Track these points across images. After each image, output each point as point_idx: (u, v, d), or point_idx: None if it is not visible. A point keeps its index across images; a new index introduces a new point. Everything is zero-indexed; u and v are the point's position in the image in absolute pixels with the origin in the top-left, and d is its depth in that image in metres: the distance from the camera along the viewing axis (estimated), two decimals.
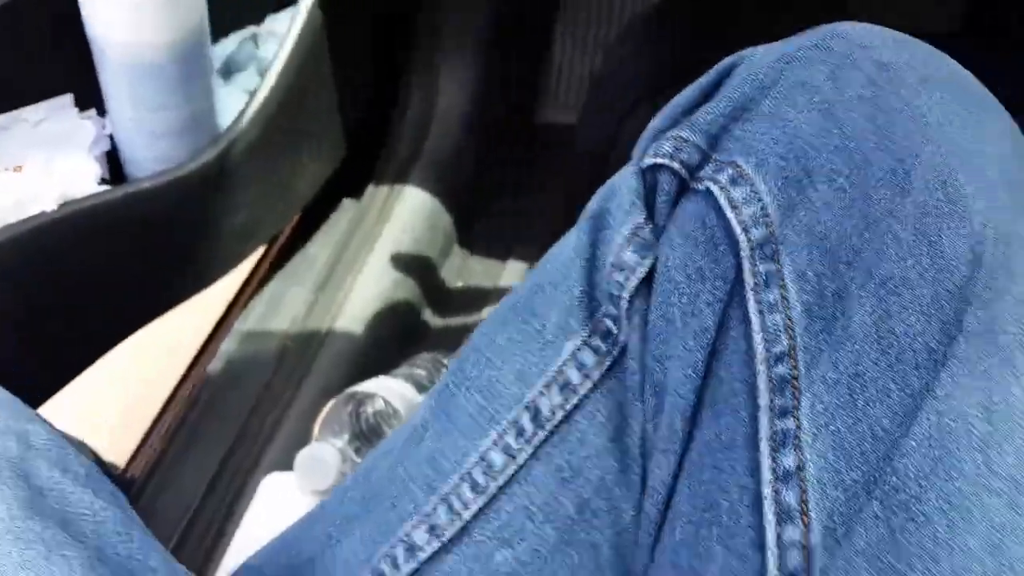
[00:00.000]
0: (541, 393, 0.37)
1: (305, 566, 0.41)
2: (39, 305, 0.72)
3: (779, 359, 0.33)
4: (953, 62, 0.37)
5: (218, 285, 0.92)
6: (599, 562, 0.37)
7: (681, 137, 0.37)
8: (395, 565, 0.37)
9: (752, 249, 0.34)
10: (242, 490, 0.78)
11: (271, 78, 0.78)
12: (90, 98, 0.74)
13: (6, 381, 0.42)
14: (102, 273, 0.76)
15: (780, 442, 0.32)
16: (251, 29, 0.85)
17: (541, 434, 0.37)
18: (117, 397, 1.08)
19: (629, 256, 0.37)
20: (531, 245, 0.90)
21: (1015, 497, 0.31)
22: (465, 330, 0.85)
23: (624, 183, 0.38)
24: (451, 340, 0.85)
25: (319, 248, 0.95)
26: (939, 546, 0.30)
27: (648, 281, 0.37)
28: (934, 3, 0.92)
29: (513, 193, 1.00)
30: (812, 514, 0.31)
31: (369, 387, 0.73)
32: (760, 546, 0.32)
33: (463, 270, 0.96)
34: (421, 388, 0.75)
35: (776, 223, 0.34)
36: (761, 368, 0.33)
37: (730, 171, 0.35)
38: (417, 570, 0.37)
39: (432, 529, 0.37)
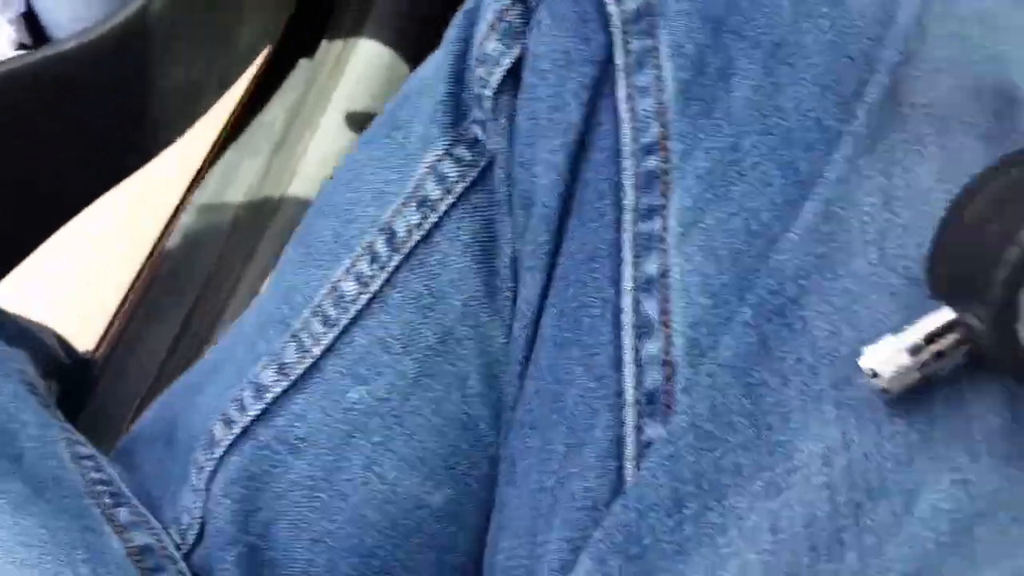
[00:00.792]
0: (397, 212, 0.33)
1: (177, 417, 0.38)
2: None
3: (649, 151, 0.29)
4: None
5: (183, 162, 0.89)
6: (466, 394, 0.33)
7: None
8: (242, 408, 0.34)
9: (625, 22, 0.29)
10: (197, 362, 0.76)
11: None
12: None
13: None
14: (31, 145, 0.72)
15: (643, 246, 0.28)
16: None
17: (396, 258, 0.33)
18: (84, 280, 1.07)
19: (493, 46, 0.32)
20: None
21: (911, 296, 0.26)
22: None
23: None
24: None
25: (274, 114, 0.91)
26: (819, 356, 0.26)
27: (518, 75, 0.32)
28: None
29: None
30: (674, 325, 0.27)
31: None
32: (618, 364, 0.28)
33: None
34: None
35: None
36: (628, 163, 0.29)
37: None
38: (265, 411, 0.34)
39: (281, 368, 0.34)
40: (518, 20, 0.32)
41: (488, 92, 0.32)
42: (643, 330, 0.28)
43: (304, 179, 0.83)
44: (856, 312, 0.26)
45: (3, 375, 0.39)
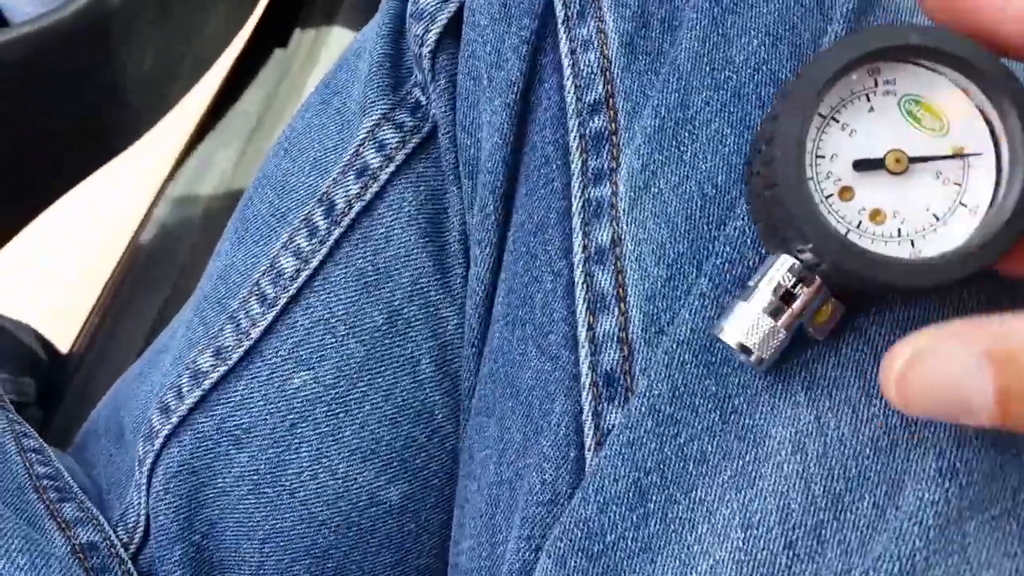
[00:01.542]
0: (336, 182, 0.31)
1: (121, 408, 0.36)
2: None
3: (594, 110, 0.26)
4: None
5: (157, 155, 0.88)
6: (419, 379, 0.31)
7: None
8: (179, 395, 0.32)
9: None
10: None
11: None
12: None
13: None
14: None
15: (593, 213, 0.26)
16: None
17: (337, 231, 0.31)
18: (62, 276, 1.05)
19: (427, 0, 0.30)
20: None
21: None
22: None
23: None
24: None
25: (248, 104, 0.90)
26: None
27: (459, 32, 0.30)
28: None
29: None
30: (630, 298, 0.25)
31: None
32: (573, 343, 0.26)
33: None
34: None
35: None
36: (573, 123, 0.26)
37: None
38: (203, 398, 0.31)
39: (218, 352, 0.32)
40: None
41: (426, 51, 0.30)
42: (597, 304, 0.25)
43: None
44: None
45: None
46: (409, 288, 0.31)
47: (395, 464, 0.31)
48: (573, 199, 0.26)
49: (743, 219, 0.24)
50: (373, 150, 0.31)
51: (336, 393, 0.31)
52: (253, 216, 0.33)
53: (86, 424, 0.40)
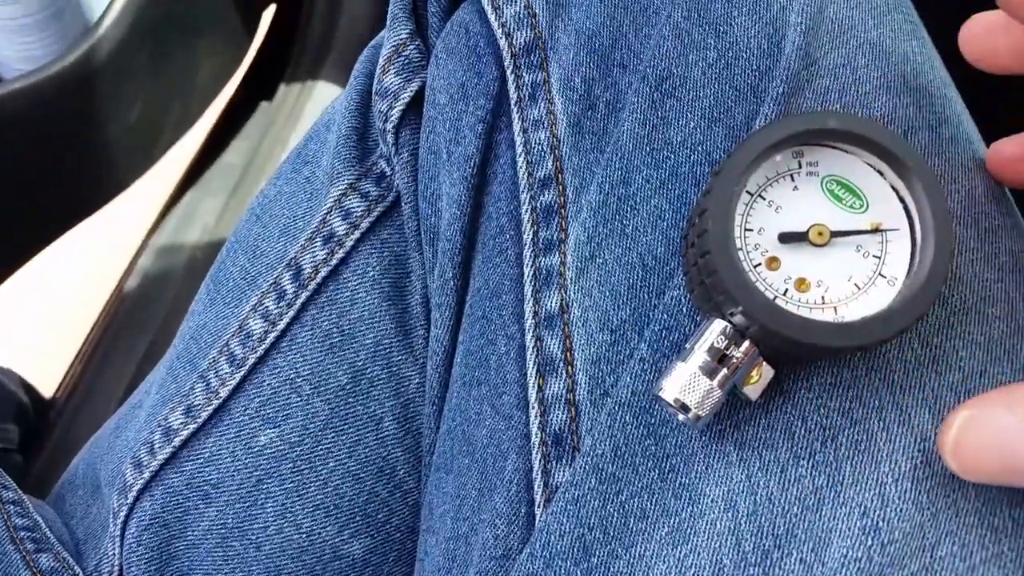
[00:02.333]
0: (303, 248, 0.32)
1: (98, 461, 0.37)
2: None
3: (545, 185, 0.28)
4: None
5: (144, 204, 0.89)
6: (382, 437, 0.32)
7: None
8: (151, 451, 0.33)
9: (515, 56, 0.29)
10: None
11: None
12: None
13: None
14: None
15: (544, 281, 0.27)
16: None
17: (304, 295, 0.32)
18: (46, 324, 1.06)
19: (391, 80, 0.32)
20: None
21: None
22: None
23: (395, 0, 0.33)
24: None
25: (234, 155, 0.91)
26: None
27: (420, 109, 0.32)
28: None
29: None
30: (577, 362, 0.27)
31: None
32: (524, 404, 0.27)
33: None
34: None
35: (544, 24, 0.29)
36: (525, 197, 0.28)
37: None
38: (174, 455, 0.33)
39: (188, 410, 0.33)
40: (415, 54, 0.32)
41: (390, 127, 0.32)
42: (547, 368, 0.27)
43: None
44: None
45: None
46: (373, 349, 0.32)
47: (358, 519, 0.32)
48: (525, 267, 0.28)
49: (679, 288, 0.26)
50: (339, 218, 0.32)
51: (301, 451, 0.32)
52: (225, 278, 0.34)
53: (65, 475, 0.41)
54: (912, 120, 0.27)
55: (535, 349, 0.27)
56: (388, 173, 0.32)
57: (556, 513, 0.25)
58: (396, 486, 0.32)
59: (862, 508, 0.23)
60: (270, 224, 0.34)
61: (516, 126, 0.29)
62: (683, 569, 0.24)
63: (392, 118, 0.31)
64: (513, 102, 0.29)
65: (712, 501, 0.24)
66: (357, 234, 0.32)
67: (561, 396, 0.27)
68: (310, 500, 0.32)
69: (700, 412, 0.24)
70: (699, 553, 0.24)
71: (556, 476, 0.26)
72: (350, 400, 0.32)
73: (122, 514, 0.33)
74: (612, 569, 0.25)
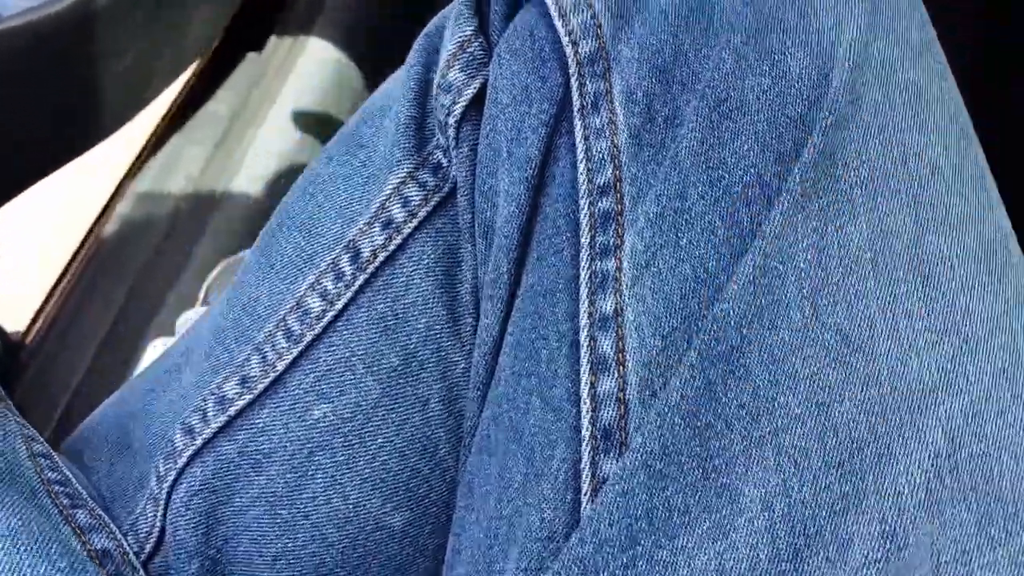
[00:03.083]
0: (362, 232, 0.34)
1: (129, 420, 0.38)
2: None
3: (603, 192, 0.30)
4: None
5: (120, 147, 0.88)
6: (427, 417, 0.34)
7: None
8: (204, 418, 0.35)
9: (580, 64, 0.30)
10: (131, 355, 0.76)
11: None
12: None
13: None
14: None
15: (599, 284, 0.29)
16: None
17: (362, 277, 0.34)
18: (18, 263, 1.05)
19: (455, 75, 0.33)
20: None
21: (843, 353, 0.27)
22: None
23: None
24: None
25: (219, 104, 0.90)
26: (759, 403, 0.27)
27: (481, 105, 0.33)
28: None
29: None
30: (628, 364, 0.29)
31: None
32: (575, 399, 0.29)
33: None
34: None
35: (608, 35, 0.30)
36: (584, 202, 0.30)
37: None
38: (228, 423, 0.34)
39: (244, 381, 0.34)
40: (479, 51, 0.33)
41: (451, 120, 0.33)
42: (599, 367, 0.29)
43: (249, 176, 0.82)
44: (792, 363, 0.27)
45: None
46: (424, 333, 0.34)
47: (401, 493, 0.34)
48: (581, 270, 0.30)
49: (728, 302, 0.28)
50: (398, 205, 0.34)
51: (352, 426, 0.34)
52: (279, 254, 0.35)
53: (82, 430, 0.42)
54: (938, 159, 0.29)
55: (589, 348, 0.29)
56: (445, 164, 0.34)
57: (606, 503, 0.27)
58: (437, 464, 0.34)
59: (881, 515, 0.26)
60: (325, 204, 0.35)
61: (578, 133, 0.30)
62: (722, 562, 0.26)
63: (455, 113, 0.33)
64: (576, 109, 0.30)
65: (751, 501, 0.26)
66: (415, 222, 0.34)
67: (612, 394, 0.29)
68: (358, 473, 0.34)
69: None
70: (737, 547, 0.26)
71: (603, 468, 0.28)
72: (400, 381, 0.34)
73: (169, 478, 0.35)
74: (656, 558, 0.27)
